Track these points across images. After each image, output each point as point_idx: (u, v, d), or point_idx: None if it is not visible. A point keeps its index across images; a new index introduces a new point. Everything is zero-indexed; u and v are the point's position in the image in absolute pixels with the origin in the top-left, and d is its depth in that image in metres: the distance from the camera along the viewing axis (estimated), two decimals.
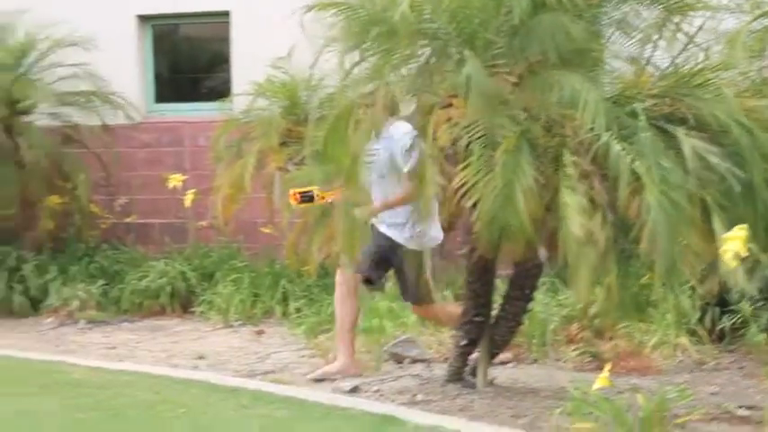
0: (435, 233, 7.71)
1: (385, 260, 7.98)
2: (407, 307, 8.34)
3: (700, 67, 6.75)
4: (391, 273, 8.18)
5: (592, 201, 6.18)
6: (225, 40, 11.91)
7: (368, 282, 8.07)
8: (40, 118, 11.85)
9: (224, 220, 10.17)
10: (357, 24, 7.00)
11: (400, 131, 7.36)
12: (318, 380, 7.90)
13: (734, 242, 5.40)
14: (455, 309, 8.01)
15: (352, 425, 6.40)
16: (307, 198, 8.05)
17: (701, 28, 6.85)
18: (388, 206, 7.39)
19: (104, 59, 11.75)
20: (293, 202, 8.17)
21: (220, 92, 11.57)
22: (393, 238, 7.66)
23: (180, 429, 6.29)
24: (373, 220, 7.80)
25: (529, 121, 6.44)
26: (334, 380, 7.84)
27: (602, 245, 6.09)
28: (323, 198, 8.04)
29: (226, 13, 11.82)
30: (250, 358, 8.82)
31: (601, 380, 6.04)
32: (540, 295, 8.12)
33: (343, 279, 8.10)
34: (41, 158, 11.45)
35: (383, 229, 7.80)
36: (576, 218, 6.00)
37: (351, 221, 7.01)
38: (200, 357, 8.89)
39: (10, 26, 11.82)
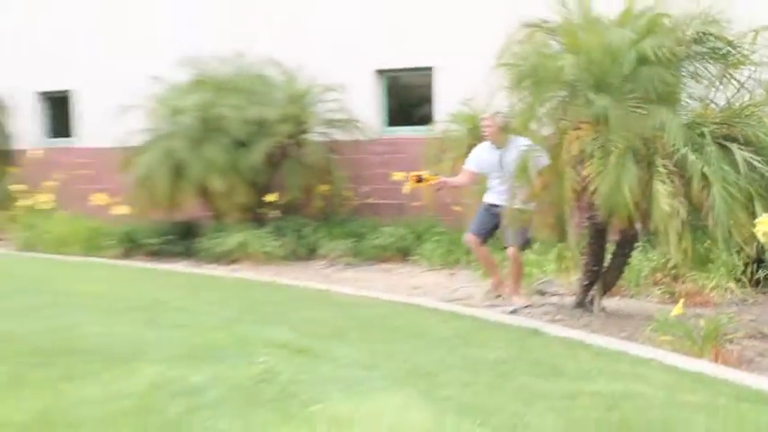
0: None
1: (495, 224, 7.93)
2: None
3: (747, 103, 6.67)
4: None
5: (675, 191, 6.17)
6: (429, 85, 11.98)
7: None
8: (314, 135, 12.08)
9: (429, 202, 10.34)
10: (517, 76, 7.05)
11: (524, 144, 7.29)
12: (490, 306, 7.95)
13: (764, 225, 5.32)
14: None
15: (512, 333, 6.47)
16: (418, 180, 8.07)
17: (748, 77, 6.74)
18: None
19: (355, 98, 12.04)
20: (411, 182, 8.19)
21: (427, 119, 11.64)
22: (526, 208, 7.46)
23: (393, 327, 6.35)
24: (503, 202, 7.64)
25: (632, 138, 6.41)
26: (501, 305, 7.90)
27: (681, 219, 6.07)
28: (428, 181, 8.08)
29: (430, 68, 11.90)
30: (447, 290, 8.87)
31: (676, 309, 6.07)
32: (636, 253, 8.02)
33: (473, 246, 8.16)
34: (316, 161, 11.74)
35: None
36: (664, 200, 6.05)
37: (513, 208, 7.21)
38: (415, 288, 8.97)
39: (294, 76, 12.08)
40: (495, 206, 7.82)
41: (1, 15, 15.59)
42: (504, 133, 7.79)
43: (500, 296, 8.20)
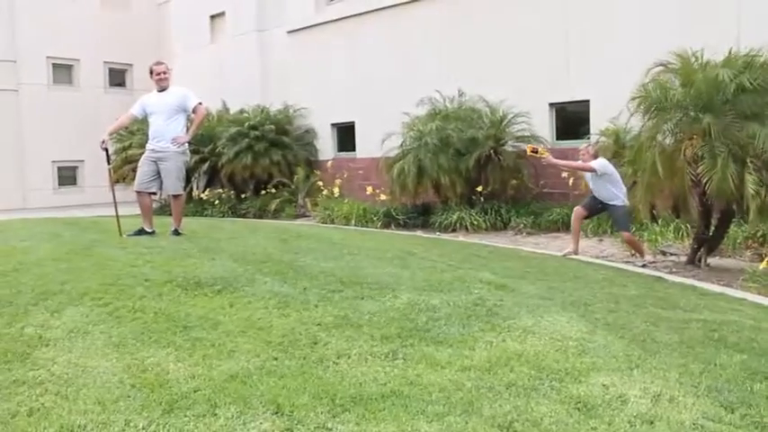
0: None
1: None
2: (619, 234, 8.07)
3: None
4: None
5: (761, 180, 5.87)
6: (587, 110, 11.63)
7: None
8: (508, 147, 11.97)
9: (584, 191, 10.05)
10: (647, 104, 6.88)
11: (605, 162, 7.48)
12: (627, 261, 7.77)
13: None
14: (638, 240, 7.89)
15: (643, 279, 6.33)
16: (534, 151, 7.83)
17: None
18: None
19: (535, 121, 11.93)
20: (529, 150, 7.99)
21: (584, 133, 11.31)
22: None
23: (561, 273, 6.29)
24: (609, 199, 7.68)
25: (732, 144, 6.13)
26: (635, 261, 7.70)
27: (762, 198, 5.78)
28: (541, 154, 7.79)
29: (587, 101, 11.57)
30: (596, 250, 8.71)
31: (762, 265, 5.78)
32: (732, 226, 7.61)
33: (576, 216, 8.14)
34: (509, 164, 11.71)
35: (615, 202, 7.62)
36: (751, 186, 5.76)
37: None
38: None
39: (495, 108, 12.04)
40: (604, 202, 7.79)
41: (315, 74, 16.57)
42: (593, 158, 7.76)
43: (633, 255, 7.99)
